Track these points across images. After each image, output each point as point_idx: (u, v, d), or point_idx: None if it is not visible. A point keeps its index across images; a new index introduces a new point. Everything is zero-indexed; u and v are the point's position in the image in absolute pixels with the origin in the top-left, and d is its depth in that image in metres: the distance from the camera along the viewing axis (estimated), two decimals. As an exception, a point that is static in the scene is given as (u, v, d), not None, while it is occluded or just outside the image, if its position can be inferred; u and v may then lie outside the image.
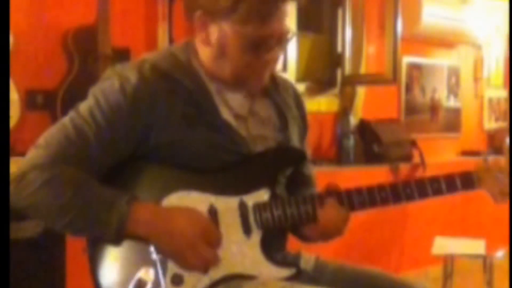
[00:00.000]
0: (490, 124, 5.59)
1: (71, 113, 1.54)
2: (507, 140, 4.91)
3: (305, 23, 4.23)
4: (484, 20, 5.18)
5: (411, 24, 4.53)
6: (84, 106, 1.53)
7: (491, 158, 1.68)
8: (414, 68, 4.87)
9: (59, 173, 1.47)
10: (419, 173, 4.44)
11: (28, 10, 2.95)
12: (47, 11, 3.00)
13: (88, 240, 1.55)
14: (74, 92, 2.85)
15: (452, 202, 4.65)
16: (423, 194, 1.62)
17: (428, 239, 3.93)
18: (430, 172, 1.67)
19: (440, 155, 5.00)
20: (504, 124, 5.59)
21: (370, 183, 1.62)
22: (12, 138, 2.52)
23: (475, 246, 3.75)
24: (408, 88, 4.84)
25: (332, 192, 1.61)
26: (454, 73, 5.22)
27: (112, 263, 1.53)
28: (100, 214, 1.47)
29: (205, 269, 1.50)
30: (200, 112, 1.55)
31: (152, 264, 1.49)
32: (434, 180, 1.62)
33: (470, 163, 1.67)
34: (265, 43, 1.52)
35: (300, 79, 4.18)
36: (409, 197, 1.62)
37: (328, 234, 1.64)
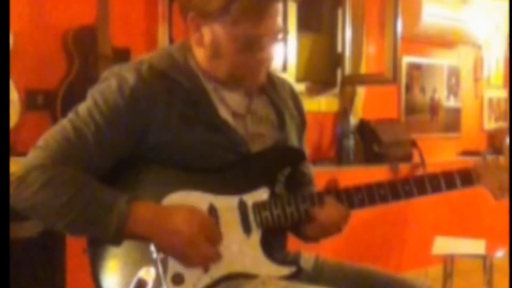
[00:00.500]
0: (490, 124, 5.59)
1: (70, 115, 1.55)
2: (507, 140, 4.92)
3: (305, 23, 4.23)
4: (484, 20, 5.18)
5: (411, 24, 4.53)
6: (82, 107, 1.54)
7: (490, 156, 1.69)
8: (414, 68, 4.87)
9: (59, 174, 1.48)
10: (419, 173, 4.43)
11: (28, 10, 2.95)
12: (47, 11, 3.00)
13: (88, 241, 1.55)
14: (74, 92, 2.86)
15: (452, 202, 4.66)
16: (422, 191, 1.62)
17: (428, 239, 3.93)
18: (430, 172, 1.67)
19: (440, 155, 5.00)
20: (504, 124, 5.58)
21: (370, 182, 1.62)
22: (12, 138, 2.52)
23: (475, 246, 3.75)
24: (408, 88, 4.84)
25: (331, 190, 1.61)
26: (454, 73, 5.22)
27: (113, 263, 1.53)
28: (100, 214, 1.47)
29: (205, 266, 1.50)
30: (198, 111, 1.55)
31: (153, 263, 1.49)
32: (433, 177, 1.63)
33: (470, 163, 1.67)
34: (258, 43, 1.53)
35: (300, 79, 4.18)
36: (408, 194, 1.62)
37: (327, 232, 1.64)
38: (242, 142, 1.59)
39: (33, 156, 1.50)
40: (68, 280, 2.61)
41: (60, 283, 2.59)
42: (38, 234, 2.42)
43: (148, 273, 1.48)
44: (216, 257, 1.51)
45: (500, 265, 3.95)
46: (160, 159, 1.54)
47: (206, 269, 1.51)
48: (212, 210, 1.54)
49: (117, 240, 1.48)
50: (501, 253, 4.10)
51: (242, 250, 1.54)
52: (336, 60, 4.43)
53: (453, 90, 5.22)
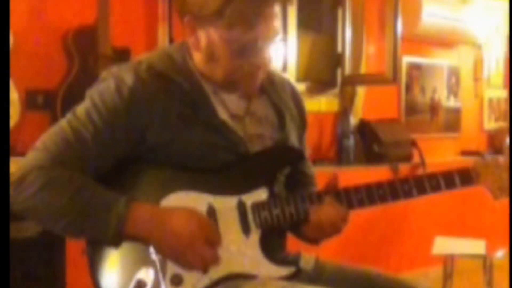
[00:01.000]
0: (490, 124, 5.59)
1: (69, 115, 1.54)
2: (507, 140, 4.92)
3: (305, 23, 4.23)
4: (484, 20, 5.17)
5: (411, 24, 4.53)
6: (81, 108, 1.54)
7: (490, 156, 1.69)
8: (414, 68, 4.87)
9: (58, 176, 1.48)
10: (419, 173, 4.43)
11: (28, 10, 2.95)
12: (47, 11, 3.01)
13: (87, 242, 1.55)
14: (74, 92, 2.86)
15: (452, 202, 4.65)
16: (421, 191, 1.62)
17: (428, 239, 3.93)
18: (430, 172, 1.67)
19: (440, 155, 5.00)
20: (504, 124, 5.58)
21: (369, 182, 1.62)
22: (12, 138, 2.52)
23: (475, 246, 3.75)
24: (408, 88, 4.84)
25: (332, 187, 1.61)
26: (454, 73, 5.22)
27: (112, 264, 1.53)
28: (99, 215, 1.47)
29: (204, 269, 1.50)
30: (196, 112, 1.55)
31: (152, 264, 1.49)
32: (432, 176, 1.62)
33: (470, 163, 1.67)
34: (253, 47, 1.52)
35: (300, 79, 4.18)
36: (408, 194, 1.62)
37: (326, 233, 1.64)
38: (241, 142, 1.59)
39: (32, 157, 1.50)
40: (68, 280, 2.61)
41: (60, 283, 2.59)
42: (38, 234, 2.42)
43: (147, 274, 1.48)
44: (215, 259, 1.50)
45: (500, 265, 3.95)
46: (158, 160, 1.54)
47: (204, 272, 1.51)
48: (211, 210, 1.54)
49: (115, 242, 1.48)
50: (501, 253, 4.10)
51: (241, 250, 1.54)
52: (336, 60, 4.43)
53: (453, 90, 5.22)
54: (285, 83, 1.77)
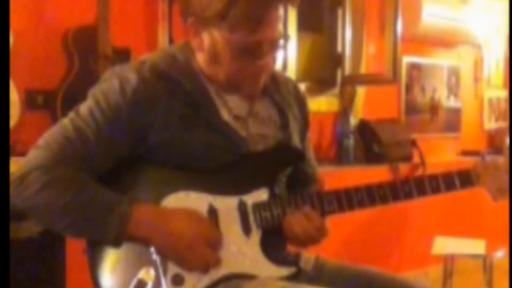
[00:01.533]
0: (490, 124, 5.59)
1: (71, 114, 1.54)
2: (507, 140, 4.92)
3: (305, 23, 4.23)
4: (484, 20, 5.17)
5: (411, 24, 4.53)
6: (83, 107, 1.54)
7: (489, 157, 1.69)
8: (414, 68, 4.87)
9: (60, 175, 1.48)
10: (419, 173, 4.44)
11: (28, 10, 2.95)
12: (47, 11, 3.00)
13: (87, 241, 1.55)
14: (74, 92, 2.85)
15: (452, 202, 4.65)
16: (421, 192, 1.62)
17: (428, 239, 3.93)
18: (430, 172, 1.67)
19: (440, 155, 5.00)
20: (504, 124, 5.58)
21: (370, 183, 1.62)
22: (12, 138, 2.52)
23: (475, 246, 3.75)
24: (408, 88, 4.84)
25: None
26: (454, 73, 5.22)
27: (112, 264, 1.53)
28: (101, 215, 1.47)
29: (204, 271, 1.50)
30: (199, 112, 1.55)
31: (152, 264, 1.49)
32: (433, 178, 1.63)
33: (470, 163, 1.67)
34: (257, 50, 1.51)
35: (300, 79, 4.18)
36: (408, 195, 1.62)
37: (301, 243, 1.60)
38: (243, 143, 1.59)
39: (34, 156, 1.50)
40: (68, 280, 2.61)
41: (60, 283, 2.59)
42: (38, 234, 2.42)
43: (147, 274, 1.48)
44: (216, 262, 1.51)
45: (500, 265, 3.95)
46: (160, 160, 1.54)
47: (204, 274, 1.51)
48: (212, 210, 1.54)
49: (117, 242, 1.48)
50: (501, 253, 4.10)
51: (241, 250, 1.54)
52: (336, 60, 4.43)
53: (453, 90, 5.22)
54: (289, 83, 1.77)
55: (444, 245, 3.80)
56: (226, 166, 1.57)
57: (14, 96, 2.71)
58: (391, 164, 4.32)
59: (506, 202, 1.76)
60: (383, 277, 1.68)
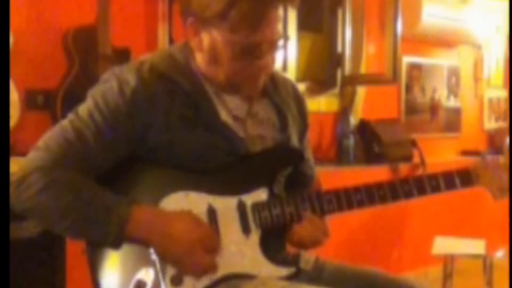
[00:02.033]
0: (490, 124, 5.59)
1: (70, 116, 1.54)
2: (507, 140, 4.92)
3: (305, 23, 4.23)
4: (484, 20, 5.17)
5: (411, 24, 4.53)
6: (83, 108, 1.54)
7: (490, 156, 1.69)
8: (414, 68, 4.87)
9: (60, 176, 1.48)
10: (419, 173, 4.43)
11: (28, 10, 2.95)
12: (47, 11, 3.00)
13: (87, 242, 1.55)
14: (74, 92, 2.85)
15: (452, 202, 4.66)
16: (421, 192, 1.62)
17: (428, 239, 3.93)
18: (430, 172, 1.67)
19: (440, 155, 5.00)
20: (504, 124, 5.59)
21: (369, 182, 1.62)
22: (12, 138, 2.52)
23: (475, 246, 3.75)
24: (408, 88, 4.84)
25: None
26: (454, 73, 5.22)
27: (112, 264, 1.53)
28: (100, 217, 1.47)
29: (202, 275, 1.50)
30: (198, 113, 1.55)
31: (152, 264, 1.49)
32: (432, 177, 1.62)
33: (470, 163, 1.67)
34: (256, 50, 1.51)
35: (300, 79, 4.18)
36: (408, 195, 1.62)
37: (307, 247, 1.62)
38: (242, 144, 1.59)
39: (34, 157, 1.50)
40: (68, 280, 2.61)
41: (60, 283, 2.59)
42: (38, 234, 2.42)
43: (147, 274, 1.48)
44: (212, 267, 1.50)
45: (500, 265, 3.95)
46: (159, 160, 1.54)
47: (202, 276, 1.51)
48: (211, 210, 1.54)
49: (116, 243, 1.48)
50: (501, 253, 4.11)
51: (241, 250, 1.54)
52: (336, 60, 4.43)
53: (453, 90, 5.22)
54: (288, 84, 1.77)
55: (444, 245, 3.80)
56: (225, 166, 1.57)
57: (14, 96, 2.71)
58: (391, 164, 4.32)
59: (506, 202, 1.76)
60: (384, 278, 1.68)
